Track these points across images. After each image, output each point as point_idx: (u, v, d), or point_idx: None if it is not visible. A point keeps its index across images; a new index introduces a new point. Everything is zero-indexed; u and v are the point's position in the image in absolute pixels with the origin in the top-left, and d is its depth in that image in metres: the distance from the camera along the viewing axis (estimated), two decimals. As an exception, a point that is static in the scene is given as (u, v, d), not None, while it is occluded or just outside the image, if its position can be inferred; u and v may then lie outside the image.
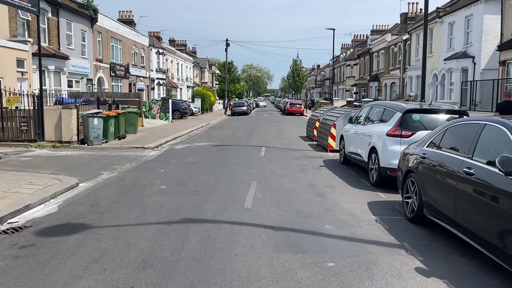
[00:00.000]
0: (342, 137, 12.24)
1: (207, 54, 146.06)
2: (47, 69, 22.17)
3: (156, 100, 32.73)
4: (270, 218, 6.61)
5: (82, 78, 27.67)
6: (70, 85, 26.15)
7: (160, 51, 46.34)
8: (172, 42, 64.48)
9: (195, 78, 68.58)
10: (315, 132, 18.14)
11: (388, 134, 8.66)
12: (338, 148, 14.44)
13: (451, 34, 27.92)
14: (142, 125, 24.64)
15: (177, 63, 55.73)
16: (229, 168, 11.28)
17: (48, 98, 19.50)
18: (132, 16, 44.75)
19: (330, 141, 14.64)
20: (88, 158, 13.03)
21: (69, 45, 25.86)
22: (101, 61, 30.90)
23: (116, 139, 17.23)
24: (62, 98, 18.85)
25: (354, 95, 52.46)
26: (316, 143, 17.32)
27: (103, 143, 15.98)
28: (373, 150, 9.25)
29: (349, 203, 7.58)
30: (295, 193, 8.34)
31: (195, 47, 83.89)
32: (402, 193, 6.90)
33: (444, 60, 27.03)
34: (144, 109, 29.48)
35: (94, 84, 29.69)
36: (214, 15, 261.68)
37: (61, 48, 24.60)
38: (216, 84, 78.32)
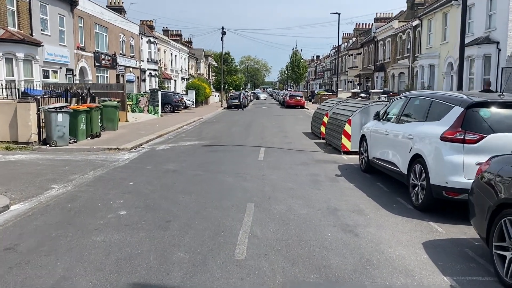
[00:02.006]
0: (363, 137, 9.60)
1: (203, 44, 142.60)
2: (15, 57, 19.39)
3: (144, 92, 29.99)
4: (277, 286, 3.98)
5: (61, 67, 24.86)
6: (46, 76, 23.37)
7: (152, 40, 43.45)
8: (166, 31, 61.51)
9: (190, 69, 65.71)
10: (323, 129, 15.50)
11: (443, 138, 6.02)
12: (354, 150, 11.86)
13: (469, 18, 25.13)
14: (126, 120, 21.97)
15: (171, 54, 52.83)
16: (218, 179, 8.63)
17: (12, 90, 16.77)
18: (122, 3, 41.80)
19: (344, 140, 12.01)
20: (43, 165, 10.37)
21: (44, 31, 23.03)
22: (83, 49, 28.07)
23: (89, 138, 14.55)
24: (27, 89, 16.11)
25: (358, 86, 49.74)
26: (324, 141, 14.69)
27: (70, 143, 13.32)
28: (417, 159, 6.61)
29: (396, 246, 4.96)
30: (310, 225, 5.70)
31: (190, 38, 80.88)
32: (490, 239, 4.27)
33: (463, 46, 24.26)
34: (130, 102, 26.87)
35: (76, 75, 26.88)
36: (211, 6, 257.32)
37: (33, 34, 21.78)
38: (213, 75, 75.35)
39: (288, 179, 8.67)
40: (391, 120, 8.18)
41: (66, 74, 25.60)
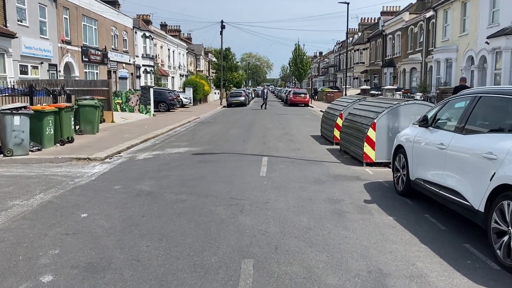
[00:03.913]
0: (399, 149, 7.23)
1: (202, 41, 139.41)
2: (-17, 50, 17.11)
3: (135, 89, 27.66)
4: None
5: (42, 62, 22.55)
6: (24, 71, 21.09)
7: (147, 34, 41.06)
8: (163, 26, 59.02)
9: (189, 66, 63.32)
10: (336, 133, 13.15)
11: None
12: (379, 160, 9.56)
13: (494, 7, 22.70)
14: (112, 121, 19.65)
15: (168, 49, 50.44)
16: (205, 210, 6.26)
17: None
18: (116, -5, 39.40)
19: (367, 149, 9.63)
20: (-17, 183, 8.04)
21: (21, 22, 20.69)
22: (69, 43, 25.73)
23: (58, 145, 12.22)
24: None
25: (365, 82, 47.29)
26: (339, 148, 12.33)
27: (32, 151, 10.99)
28: (505, 192, 4.25)
29: None
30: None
31: (190, 33, 78.49)
32: None
33: (488, 38, 21.85)
34: (119, 101, 24.58)
35: (60, 71, 24.56)
36: (212, 3, 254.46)
37: (8, 25, 19.44)
38: (213, 72, 72.96)
39: (301, 208, 6.30)
40: (448, 128, 5.80)
41: (48, 70, 23.30)
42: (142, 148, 12.88)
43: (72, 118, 13.13)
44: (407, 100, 9.94)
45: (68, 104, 12.71)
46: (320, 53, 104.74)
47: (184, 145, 13.46)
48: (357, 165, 9.84)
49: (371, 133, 9.61)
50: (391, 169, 9.20)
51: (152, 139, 15.00)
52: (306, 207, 6.33)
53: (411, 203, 6.64)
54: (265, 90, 37.83)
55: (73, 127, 13.16)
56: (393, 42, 40.71)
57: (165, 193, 7.27)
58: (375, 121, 9.59)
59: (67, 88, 18.52)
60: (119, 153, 11.63)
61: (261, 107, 35.37)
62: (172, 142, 14.19)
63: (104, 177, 8.71)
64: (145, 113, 24.50)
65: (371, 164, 9.66)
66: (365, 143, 9.65)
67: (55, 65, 24.03)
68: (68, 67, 26.10)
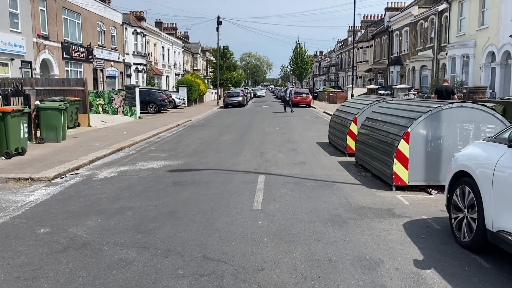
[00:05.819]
0: (463, 177, 4.76)
1: (200, 39, 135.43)
2: None
3: (118, 89, 25.20)
4: None
5: (13, 59, 20.09)
6: (-10, 69, 18.67)
7: (139, 30, 38.57)
8: (158, 24, 56.57)
9: (185, 64, 60.86)
10: (350, 142, 10.71)
11: None
12: (413, 183, 7.17)
13: (520, -4, 20.26)
14: (89, 125, 17.19)
15: (162, 47, 47.94)
16: (157, 286, 3.80)
17: None
18: (106, -12, 36.92)
19: (398, 168, 7.16)
20: None
21: (-14, 12, 18.28)
22: (46, 38, 23.25)
23: (3, 158, 9.77)
24: None
25: (370, 81, 44.83)
26: (354, 161, 9.88)
27: (-38, 168, 8.53)
28: None
29: None
30: None
31: (187, 31, 76.06)
32: None
33: (515, 30, 19.40)
34: (102, 102, 22.15)
35: (35, 69, 22.08)
36: (210, 1, 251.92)
37: (-31, 15, 17.03)
38: (211, 72, 70.44)
39: (317, 283, 3.81)
40: None
41: (21, 68, 20.85)
42: (110, 161, 10.40)
43: (25, 124, 10.65)
44: (451, 103, 7.45)
45: (15, 107, 10.22)
46: (321, 52, 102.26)
47: (163, 156, 10.98)
48: (383, 188, 7.39)
49: (403, 146, 7.15)
50: (429, 195, 6.75)
51: (127, 148, 12.54)
52: (325, 281, 3.85)
53: (489, 266, 4.18)
54: (288, 91, 31.41)
55: (26, 135, 10.68)
56: (400, 38, 38.24)
57: (107, 244, 4.79)
58: (409, 130, 7.12)
59: (37, 88, 16.19)
60: (77, 170, 9.17)
61: (285, 111, 30.05)
62: (149, 153, 11.72)
63: (36, 210, 6.24)
64: (130, 116, 22.02)
65: (403, 187, 7.20)
66: (395, 159, 7.18)
67: (30, 62, 21.57)
68: (46, 65, 23.63)
